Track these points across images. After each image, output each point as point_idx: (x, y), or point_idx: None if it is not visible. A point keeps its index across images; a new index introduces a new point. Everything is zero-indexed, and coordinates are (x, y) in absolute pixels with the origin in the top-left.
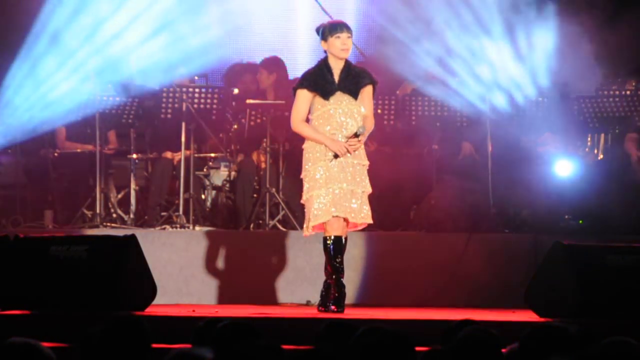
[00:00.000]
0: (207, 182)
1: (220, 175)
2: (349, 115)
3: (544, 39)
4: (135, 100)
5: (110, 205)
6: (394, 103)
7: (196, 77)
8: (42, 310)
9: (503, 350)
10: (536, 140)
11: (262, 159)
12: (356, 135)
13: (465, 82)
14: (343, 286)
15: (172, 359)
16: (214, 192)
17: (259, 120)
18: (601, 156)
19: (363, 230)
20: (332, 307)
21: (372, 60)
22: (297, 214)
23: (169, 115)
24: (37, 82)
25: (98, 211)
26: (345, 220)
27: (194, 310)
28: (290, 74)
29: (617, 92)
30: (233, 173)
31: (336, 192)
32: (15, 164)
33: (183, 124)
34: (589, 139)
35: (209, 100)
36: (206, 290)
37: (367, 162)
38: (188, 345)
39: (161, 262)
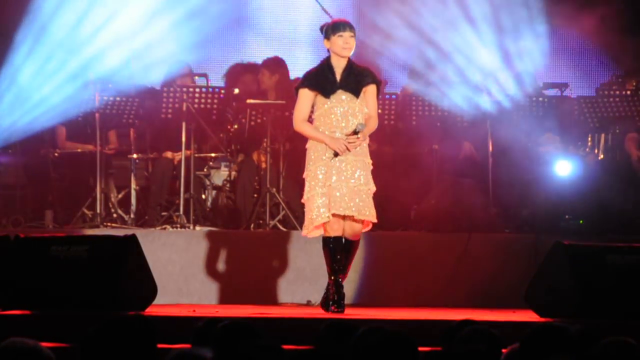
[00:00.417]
0: (208, 182)
1: (220, 175)
2: (349, 114)
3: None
4: (135, 100)
5: (111, 205)
6: (394, 103)
7: (196, 77)
8: (42, 310)
9: (503, 350)
10: (536, 141)
11: (263, 159)
12: (355, 132)
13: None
14: (341, 286)
15: (172, 359)
16: (214, 192)
17: (259, 120)
18: (601, 156)
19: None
20: (332, 307)
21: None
22: (297, 214)
23: (169, 115)
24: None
25: (98, 211)
26: (349, 218)
27: (194, 310)
28: (290, 74)
29: (617, 92)
30: (233, 173)
31: (337, 193)
32: (15, 164)
33: (183, 124)
34: (589, 139)
35: (209, 100)
36: (206, 290)
37: (369, 160)
38: (188, 345)
39: (161, 262)
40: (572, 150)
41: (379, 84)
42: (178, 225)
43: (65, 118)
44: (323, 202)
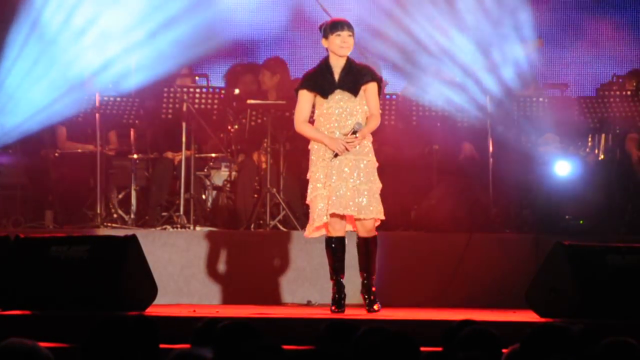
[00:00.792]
0: (208, 182)
1: (220, 176)
2: (348, 113)
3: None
4: (135, 100)
5: (111, 206)
6: (394, 103)
7: (197, 77)
8: (43, 310)
9: (504, 350)
10: (537, 141)
11: (263, 159)
12: (353, 132)
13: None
14: (343, 286)
15: (173, 359)
16: (214, 192)
17: (259, 121)
18: (602, 156)
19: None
20: (332, 307)
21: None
22: (297, 214)
23: (169, 116)
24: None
25: (99, 211)
26: (351, 217)
27: (194, 310)
28: (290, 74)
29: (617, 92)
30: (234, 173)
31: (337, 193)
32: (15, 164)
33: (184, 124)
34: (589, 139)
35: (209, 101)
36: (206, 290)
37: (372, 159)
38: (188, 346)
39: (162, 262)
40: (572, 150)
41: (379, 81)
42: (178, 226)
43: (53, 121)
44: (324, 202)
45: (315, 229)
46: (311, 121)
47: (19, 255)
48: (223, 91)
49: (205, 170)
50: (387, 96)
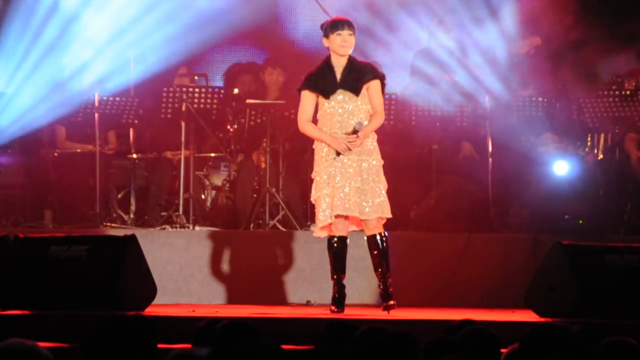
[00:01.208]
0: (207, 182)
1: (220, 175)
2: (350, 113)
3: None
4: (135, 100)
5: (111, 205)
6: (393, 103)
7: (196, 77)
8: (42, 310)
9: (503, 350)
10: (536, 141)
11: (262, 159)
12: (355, 132)
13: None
14: (343, 286)
15: (172, 359)
16: (213, 192)
17: (258, 120)
18: (601, 156)
19: (362, 230)
20: (332, 307)
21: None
22: (297, 214)
23: (169, 115)
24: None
25: (98, 211)
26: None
27: (194, 310)
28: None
29: (617, 92)
30: (233, 173)
31: (340, 194)
32: (15, 164)
33: (183, 124)
34: (589, 139)
35: (208, 100)
36: (206, 290)
37: (377, 157)
38: (188, 346)
39: (161, 262)
40: (571, 150)
41: (382, 78)
42: (178, 225)
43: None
44: (328, 203)
45: (321, 229)
46: (314, 121)
47: (18, 255)
48: (222, 91)
49: (205, 170)
50: (387, 96)
